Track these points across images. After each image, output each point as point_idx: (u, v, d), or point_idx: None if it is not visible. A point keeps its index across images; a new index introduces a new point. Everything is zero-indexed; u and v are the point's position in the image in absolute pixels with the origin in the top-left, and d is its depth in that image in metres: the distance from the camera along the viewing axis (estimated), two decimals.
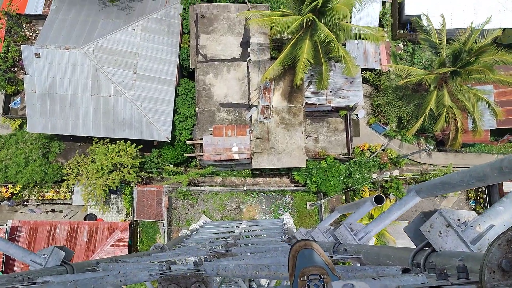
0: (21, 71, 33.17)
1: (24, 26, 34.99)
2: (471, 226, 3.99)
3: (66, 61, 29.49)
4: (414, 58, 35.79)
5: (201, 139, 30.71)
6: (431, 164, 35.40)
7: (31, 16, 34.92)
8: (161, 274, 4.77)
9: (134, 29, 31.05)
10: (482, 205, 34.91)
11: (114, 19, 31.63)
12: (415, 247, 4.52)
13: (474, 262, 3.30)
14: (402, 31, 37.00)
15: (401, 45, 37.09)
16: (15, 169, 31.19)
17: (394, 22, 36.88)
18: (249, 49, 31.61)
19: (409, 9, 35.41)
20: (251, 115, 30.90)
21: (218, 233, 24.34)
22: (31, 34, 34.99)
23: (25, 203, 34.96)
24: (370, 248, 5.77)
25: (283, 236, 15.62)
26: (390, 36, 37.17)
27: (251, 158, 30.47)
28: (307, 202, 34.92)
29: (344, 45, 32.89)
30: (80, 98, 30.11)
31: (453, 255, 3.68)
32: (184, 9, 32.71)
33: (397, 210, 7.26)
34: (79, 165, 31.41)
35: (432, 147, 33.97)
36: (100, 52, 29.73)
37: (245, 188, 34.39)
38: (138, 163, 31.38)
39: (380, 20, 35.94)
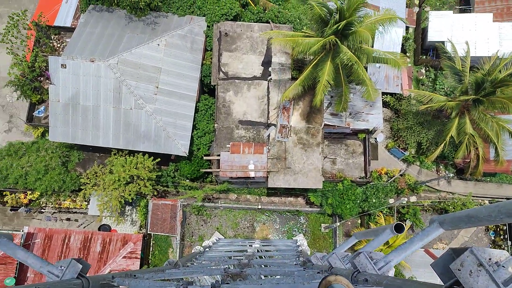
0: (47, 81, 33.91)
1: (52, 38, 35.91)
2: (503, 267, 3.85)
3: (90, 73, 30.06)
4: (436, 84, 35.53)
5: (218, 155, 30.79)
6: (450, 192, 34.75)
7: (60, 28, 35.85)
8: None
9: (159, 44, 31.58)
10: (502, 237, 34.02)
11: (140, 33, 32.24)
12: (441, 282, 4.39)
13: None
14: (424, 56, 36.87)
15: (423, 70, 36.89)
16: (35, 176, 31.67)
17: (417, 48, 36.79)
18: (270, 68, 31.82)
19: (433, 35, 35.31)
20: (269, 134, 30.92)
21: (231, 251, 24.16)
22: (58, 45, 35.85)
23: (42, 210, 35.38)
24: (392, 280, 5.62)
25: (298, 259, 15.41)
26: (412, 61, 37.05)
27: (267, 177, 30.37)
28: (322, 224, 34.53)
29: (366, 68, 32.86)
30: (101, 110, 30.57)
31: None
32: (208, 26, 33.18)
33: (419, 241, 7.10)
34: (96, 175, 31.73)
35: (451, 174, 33.39)
36: (124, 65, 30.26)
37: (259, 207, 34.21)
38: (155, 176, 31.53)
39: (403, 44, 35.90)
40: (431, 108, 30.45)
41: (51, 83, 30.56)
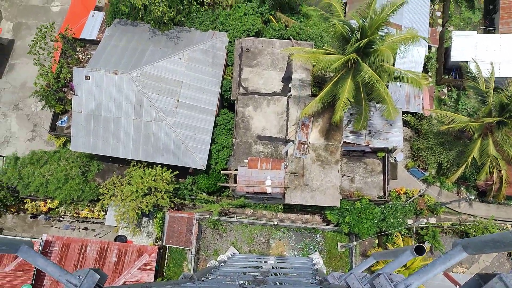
0: (71, 91, 34.61)
1: (78, 50, 36.78)
2: None
3: (113, 85, 30.60)
4: (459, 105, 35.05)
5: (236, 169, 30.81)
6: (471, 215, 33.95)
7: (86, 40, 36.73)
8: None
9: (181, 58, 32.02)
10: None
11: (163, 47, 32.77)
12: None
13: None
14: (447, 76, 36.49)
15: (445, 90, 36.48)
16: (55, 185, 32.17)
17: (439, 67, 36.47)
18: (290, 85, 31.90)
19: (456, 55, 35.01)
20: (287, 150, 30.85)
21: (246, 266, 23.97)
22: (83, 57, 36.68)
23: (61, 218, 35.83)
24: None
25: (314, 278, 15.18)
26: (434, 80, 36.70)
27: (284, 193, 30.21)
28: (338, 243, 34.05)
29: (386, 86, 32.63)
30: (122, 121, 31.01)
31: None
32: (230, 42, 33.56)
33: (441, 265, 6.93)
34: (115, 186, 32.04)
35: (473, 197, 32.66)
36: (146, 78, 30.73)
37: (275, 223, 33.97)
38: (172, 189, 31.68)
39: (425, 64, 35.63)
40: (453, 129, 30.02)
41: (74, 94, 31.20)
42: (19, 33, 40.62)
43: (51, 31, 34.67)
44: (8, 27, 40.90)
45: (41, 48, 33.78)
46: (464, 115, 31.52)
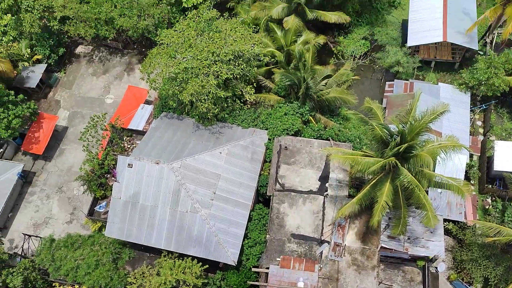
0: (112, 178, 35.86)
1: (124, 139, 38.75)
2: None
3: (153, 174, 31.52)
4: (505, 216, 33.42)
5: (267, 268, 29.81)
6: None
7: (132, 130, 38.81)
8: None
9: (221, 152, 32.96)
10: None
11: (205, 141, 34.02)
12: None
13: None
14: (490, 186, 35.45)
15: (489, 200, 35.21)
16: (85, 270, 32.01)
17: (481, 176, 35.67)
18: (327, 184, 31.81)
19: (499, 165, 34.34)
20: (322, 251, 29.82)
21: None
22: (129, 146, 38.49)
23: None
24: None
25: None
26: (477, 189, 35.69)
27: None
28: None
29: (426, 192, 31.91)
30: (159, 210, 31.36)
31: None
32: (269, 139, 34.49)
33: None
34: (143, 276, 31.40)
35: None
36: (186, 169, 31.54)
37: None
38: (201, 283, 30.68)
39: (466, 172, 34.98)
40: (499, 242, 28.36)
41: (116, 181, 32.24)
42: (73, 121, 43.52)
43: (103, 120, 37.07)
44: (64, 115, 44.03)
45: (91, 135, 35.92)
46: (511, 228, 29.90)
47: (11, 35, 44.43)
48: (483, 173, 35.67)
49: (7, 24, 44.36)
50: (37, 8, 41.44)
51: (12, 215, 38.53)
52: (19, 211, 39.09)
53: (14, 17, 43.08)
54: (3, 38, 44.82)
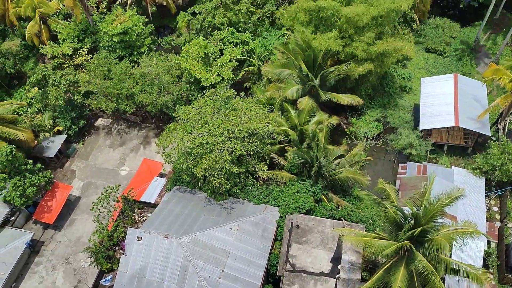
0: (120, 250, 35.31)
1: (135, 211, 38.68)
2: None
3: (162, 248, 30.99)
4: None
5: None
6: None
7: (144, 203, 38.84)
8: None
9: (231, 228, 32.53)
10: None
11: (215, 216, 33.75)
12: None
13: None
14: (510, 275, 33.83)
15: None
16: None
17: (501, 264, 34.20)
18: (339, 266, 30.77)
19: None
20: None
21: None
22: (139, 218, 38.31)
23: None
24: None
25: None
26: (497, 278, 34.06)
27: None
28: None
29: (443, 279, 30.57)
30: (165, 287, 30.37)
31: None
32: (280, 217, 34.08)
33: None
34: None
35: None
36: (195, 245, 30.98)
37: None
38: None
39: (484, 259, 33.63)
40: None
41: (123, 253, 31.70)
42: (87, 191, 43.82)
43: (116, 192, 37.30)
44: (78, 185, 44.47)
45: (102, 206, 35.97)
46: None
47: (36, 107, 46.56)
48: (502, 261, 34.25)
49: (33, 96, 46.68)
50: (63, 83, 43.74)
51: (15, 286, 37.58)
52: (23, 281, 38.13)
53: (41, 90, 45.27)
54: (28, 109, 46.96)
